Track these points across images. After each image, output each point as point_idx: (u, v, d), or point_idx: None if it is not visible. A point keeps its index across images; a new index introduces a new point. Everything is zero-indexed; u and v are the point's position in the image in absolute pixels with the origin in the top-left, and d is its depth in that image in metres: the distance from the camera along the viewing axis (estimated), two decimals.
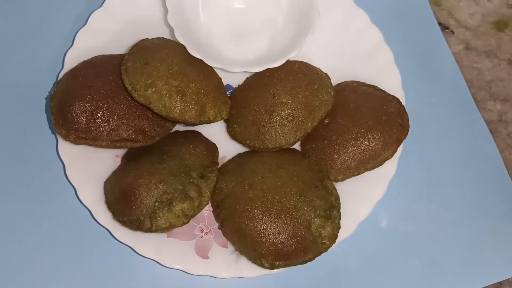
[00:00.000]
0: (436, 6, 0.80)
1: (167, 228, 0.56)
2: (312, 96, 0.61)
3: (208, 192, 0.59)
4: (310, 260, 0.57)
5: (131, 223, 0.57)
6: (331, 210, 0.58)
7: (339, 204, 0.59)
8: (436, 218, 0.67)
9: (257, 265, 0.57)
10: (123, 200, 0.57)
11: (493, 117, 0.74)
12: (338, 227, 0.58)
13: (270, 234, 0.56)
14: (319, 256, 0.58)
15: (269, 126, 0.61)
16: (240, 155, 0.64)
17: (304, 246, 0.56)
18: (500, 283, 0.65)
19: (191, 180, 0.58)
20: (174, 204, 0.56)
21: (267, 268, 0.57)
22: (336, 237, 0.58)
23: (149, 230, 0.56)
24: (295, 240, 0.56)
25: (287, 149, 0.63)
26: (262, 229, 0.56)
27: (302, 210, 0.57)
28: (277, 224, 0.56)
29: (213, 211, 0.61)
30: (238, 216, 0.57)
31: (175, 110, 0.58)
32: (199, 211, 0.58)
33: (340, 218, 0.59)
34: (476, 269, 0.65)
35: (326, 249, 0.57)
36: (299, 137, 0.61)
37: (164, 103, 0.57)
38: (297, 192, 0.58)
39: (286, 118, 0.61)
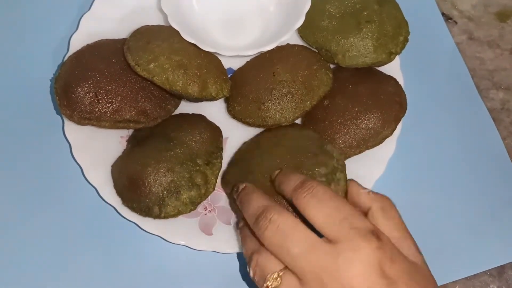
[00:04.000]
0: None
1: (175, 215, 0.64)
2: (311, 76, 0.69)
3: (213, 179, 0.66)
4: None
5: (140, 210, 0.64)
6: (334, 173, 0.63)
7: (342, 165, 0.64)
8: (439, 205, 0.74)
9: None
10: (132, 188, 0.64)
11: (495, 106, 0.82)
12: (344, 189, 0.62)
13: None
14: None
15: (269, 103, 0.68)
16: (242, 152, 0.72)
17: None
18: (502, 266, 0.73)
19: (198, 168, 0.65)
20: (181, 192, 0.63)
21: None
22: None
23: (158, 216, 0.64)
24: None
25: (286, 126, 0.70)
26: None
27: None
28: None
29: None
30: None
31: (178, 84, 0.65)
32: (206, 198, 0.65)
33: (346, 179, 0.63)
34: (478, 253, 0.73)
35: None
36: (298, 115, 0.69)
37: (167, 76, 0.65)
38: (294, 165, 0.64)
39: (286, 96, 0.68)
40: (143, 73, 0.65)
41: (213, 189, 0.66)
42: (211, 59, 0.71)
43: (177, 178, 0.64)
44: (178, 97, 0.71)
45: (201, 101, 0.70)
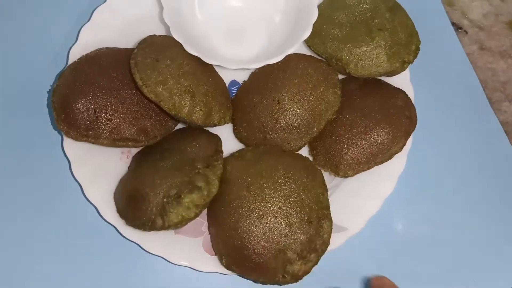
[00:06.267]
0: (449, 7, 0.91)
1: (180, 222, 0.63)
2: (317, 100, 0.70)
3: (215, 180, 0.65)
4: (263, 283, 0.64)
5: (143, 225, 0.64)
6: (310, 253, 0.64)
7: (323, 251, 0.65)
8: (451, 222, 0.76)
9: (218, 259, 0.66)
10: (132, 204, 0.65)
11: (508, 118, 0.83)
12: (306, 271, 0.64)
13: (242, 238, 0.63)
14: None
15: (274, 134, 0.70)
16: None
17: (264, 269, 0.63)
18: None
19: (197, 171, 0.65)
20: (182, 196, 0.63)
21: (222, 265, 0.65)
22: (300, 278, 0.64)
23: (163, 227, 0.63)
24: (259, 258, 0.63)
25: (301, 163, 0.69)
26: (242, 231, 0.63)
27: (281, 234, 0.63)
28: (254, 234, 0.63)
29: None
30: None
31: (183, 110, 0.66)
32: (210, 200, 0.65)
33: (315, 263, 0.64)
34: (492, 274, 0.74)
35: (283, 283, 0.64)
36: (305, 143, 0.71)
37: (174, 102, 0.66)
38: (287, 215, 0.64)
39: (291, 125, 0.70)
40: (151, 95, 0.66)
41: (217, 190, 0.65)
42: (217, 84, 0.72)
43: (176, 183, 0.64)
44: (182, 122, 0.72)
45: (203, 127, 0.71)
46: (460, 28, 0.90)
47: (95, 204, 0.68)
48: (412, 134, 0.72)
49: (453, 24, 0.89)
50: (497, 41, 0.89)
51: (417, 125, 0.73)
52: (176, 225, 0.64)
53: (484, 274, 0.74)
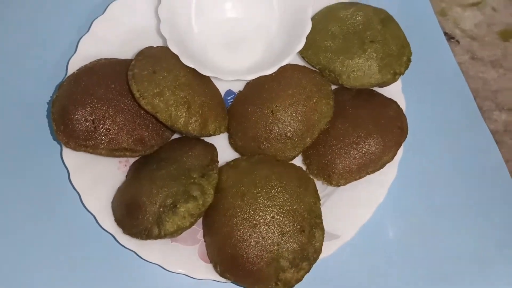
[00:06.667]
0: (441, 16, 0.93)
1: (175, 231, 0.65)
2: (311, 111, 0.72)
3: (211, 189, 0.67)
4: None
5: (140, 234, 0.66)
6: (302, 261, 0.65)
7: (315, 259, 0.67)
8: (442, 229, 0.77)
9: (213, 267, 0.67)
10: (129, 213, 0.67)
11: (498, 127, 0.85)
12: (299, 279, 0.65)
13: (236, 246, 0.65)
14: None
15: (269, 144, 0.72)
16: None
17: (257, 277, 0.65)
18: None
19: (192, 181, 0.66)
20: (178, 205, 0.64)
21: (217, 272, 0.67)
22: (293, 286, 0.65)
23: (159, 236, 0.65)
24: (253, 265, 0.64)
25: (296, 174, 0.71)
26: (236, 240, 0.65)
27: (274, 243, 0.65)
28: (248, 242, 0.65)
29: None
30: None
31: (179, 121, 0.68)
32: (205, 209, 0.66)
33: (307, 271, 0.66)
34: (483, 282, 0.75)
35: None
36: (298, 152, 0.73)
37: (170, 113, 0.67)
38: (280, 224, 0.66)
39: (285, 135, 0.71)
40: (147, 107, 0.67)
41: (211, 199, 0.67)
42: (213, 95, 0.74)
43: (172, 193, 0.65)
44: (178, 132, 0.74)
45: (199, 137, 0.73)
46: (453, 38, 0.91)
47: (93, 213, 0.69)
48: (403, 143, 0.74)
49: (445, 34, 0.91)
50: (489, 50, 0.91)
51: (408, 134, 0.74)
52: (172, 234, 0.65)
53: (476, 281, 0.75)
